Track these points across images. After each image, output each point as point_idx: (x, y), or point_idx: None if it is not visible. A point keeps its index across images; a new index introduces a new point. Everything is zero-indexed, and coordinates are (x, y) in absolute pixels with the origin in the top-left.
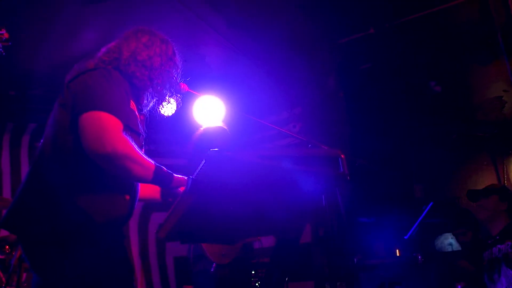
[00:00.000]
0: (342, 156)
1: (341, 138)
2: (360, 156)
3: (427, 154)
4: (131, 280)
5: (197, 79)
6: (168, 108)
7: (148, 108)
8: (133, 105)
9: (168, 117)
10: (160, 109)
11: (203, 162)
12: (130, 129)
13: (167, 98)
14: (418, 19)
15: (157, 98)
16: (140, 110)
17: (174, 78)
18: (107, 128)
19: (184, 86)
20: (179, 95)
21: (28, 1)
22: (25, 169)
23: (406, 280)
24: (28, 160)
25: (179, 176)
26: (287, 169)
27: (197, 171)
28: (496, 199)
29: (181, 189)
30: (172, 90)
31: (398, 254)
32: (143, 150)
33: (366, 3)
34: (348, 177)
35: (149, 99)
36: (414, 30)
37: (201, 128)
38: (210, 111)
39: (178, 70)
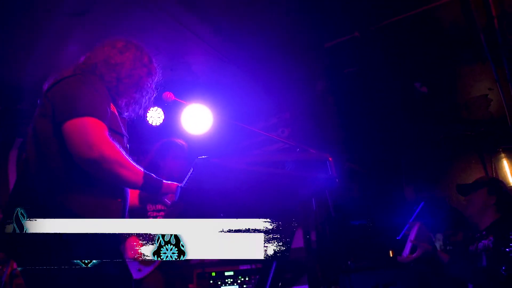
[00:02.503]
0: (330, 159)
1: (330, 141)
2: (350, 159)
3: (417, 155)
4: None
5: (184, 88)
6: (156, 118)
7: (127, 113)
8: (113, 107)
9: (156, 126)
10: (149, 116)
11: (191, 170)
12: (113, 131)
13: (143, 103)
14: (402, 21)
15: (133, 103)
16: (120, 114)
17: (149, 84)
18: (92, 133)
19: (170, 95)
20: (152, 100)
21: (12, 14)
22: (13, 183)
23: (400, 281)
24: (17, 174)
25: (168, 182)
26: (276, 174)
27: (186, 179)
28: (485, 193)
29: (169, 197)
30: (146, 96)
31: (391, 255)
32: (128, 151)
33: (350, 6)
34: (337, 180)
35: (126, 104)
36: (399, 32)
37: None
38: (198, 120)
39: (154, 78)
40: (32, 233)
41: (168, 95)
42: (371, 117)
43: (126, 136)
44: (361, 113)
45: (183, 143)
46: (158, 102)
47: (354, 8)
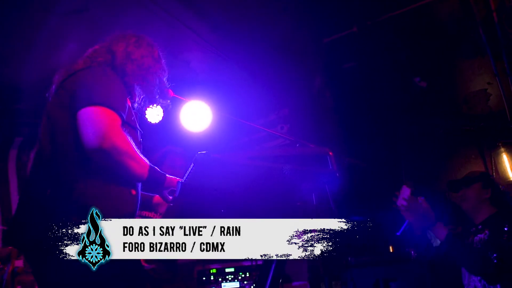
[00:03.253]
0: (331, 153)
1: (329, 137)
2: (349, 155)
3: (416, 150)
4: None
5: (183, 85)
6: (155, 116)
7: (139, 107)
8: (128, 101)
9: (155, 124)
10: (148, 113)
11: (192, 165)
12: (128, 124)
13: (156, 99)
14: (400, 15)
15: (147, 98)
16: (134, 108)
17: (161, 79)
18: (105, 123)
19: (170, 92)
20: (167, 100)
21: (11, 14)
22: (13, 183)
23: (400, 276)
24: (16, 173)
25: (171, 176)
26: (276, 169)
27: (187, 174)
28: (479, 187)
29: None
30: (160, 92)
31: (391, 250)
32: (141, 146)
33: (348, 1)
34: (337, 174)
35: (141, 98)
36: (397, 27)
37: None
38: (197, 116)
39: (165, 74)
40: (46, 229)
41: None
42: (370, 112)
43: (140, 130)
44: (360, 108)
45: (181, 150)
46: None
47: (352, 3)
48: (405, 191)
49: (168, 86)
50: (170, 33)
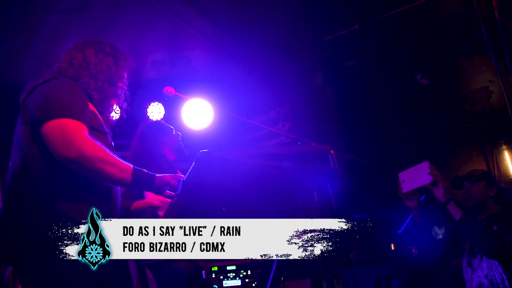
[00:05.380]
0: (332, 151)
1: (330, 135)
2: (350, 152)
3: (418, 147)
4: None
5: (184, 82)
6: (156, 113)
7: (107, 108)
8: (92, 107)
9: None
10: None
11: (193, 163)
12: (95, 130)
13: (119, 95)
14: (402, 13)
15: (105, 97)
16: (101, 113)
17: (119, 73)
18: (70, 133)
19: (171, 90)
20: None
21: (11, 12)
22: None
23: (401, 273)
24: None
25: (160, 175)
26: (278, 167)
27: (188, 172)
28: (484, 185)
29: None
30: (122, 87)
31: (393, 248)
32: (113, 149)
33: None
34: (338, 172)
35: (103, 99)
36: (398, 24)
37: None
38: (199, 114)
39: (121, 64)
40: (27, 241)
41: (169, 90)
42: (371, 109)
43: (109, 134)
44: (361, 106)
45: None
46: (159, 97)
47: (353, 1)
48: (424, 165)
49: (128, 80)
50: (171, 30)
